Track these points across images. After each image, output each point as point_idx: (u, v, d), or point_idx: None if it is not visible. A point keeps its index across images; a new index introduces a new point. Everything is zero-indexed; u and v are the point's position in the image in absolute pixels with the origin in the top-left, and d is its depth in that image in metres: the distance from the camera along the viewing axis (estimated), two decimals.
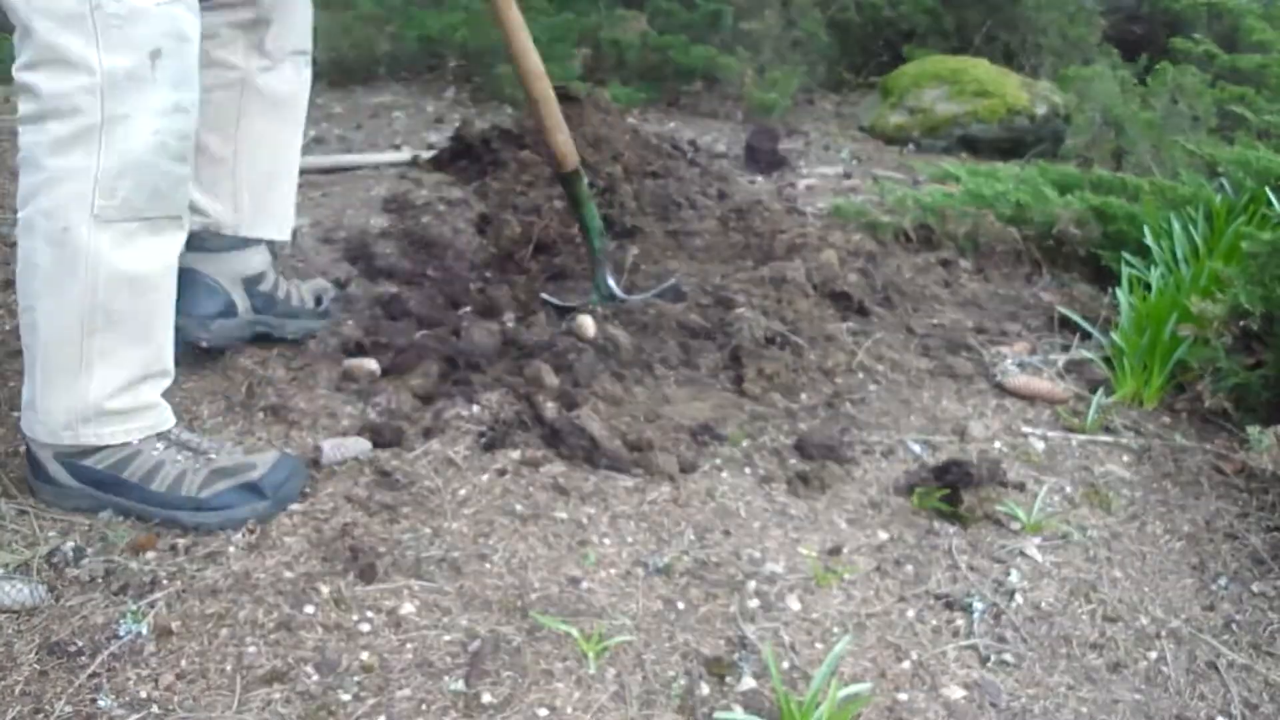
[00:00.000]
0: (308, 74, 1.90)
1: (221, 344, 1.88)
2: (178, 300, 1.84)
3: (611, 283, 2.15)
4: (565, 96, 3.14)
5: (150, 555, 1.44)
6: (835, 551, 1.59)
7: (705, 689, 1.32)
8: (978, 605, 1.51)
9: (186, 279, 1.83)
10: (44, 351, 1.41)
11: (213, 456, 1.51)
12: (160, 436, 1.51)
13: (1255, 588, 1.64)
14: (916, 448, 1.90)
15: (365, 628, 1.35)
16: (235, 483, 1.48)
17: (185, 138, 1.40)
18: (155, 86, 1.34)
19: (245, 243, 1.90)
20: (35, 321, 1.41)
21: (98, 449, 1.47)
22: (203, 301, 1.85)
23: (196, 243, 1.85)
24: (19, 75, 1.33)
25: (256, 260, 1.93)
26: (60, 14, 1.29)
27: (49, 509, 1.51)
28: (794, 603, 1.48)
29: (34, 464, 1.50)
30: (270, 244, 1.98)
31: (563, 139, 1.85)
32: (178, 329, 1.83)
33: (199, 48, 1.41)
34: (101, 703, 1.21)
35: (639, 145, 3.12)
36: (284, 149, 1.89)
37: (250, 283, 1.92)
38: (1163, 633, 1.52)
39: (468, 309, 2.16)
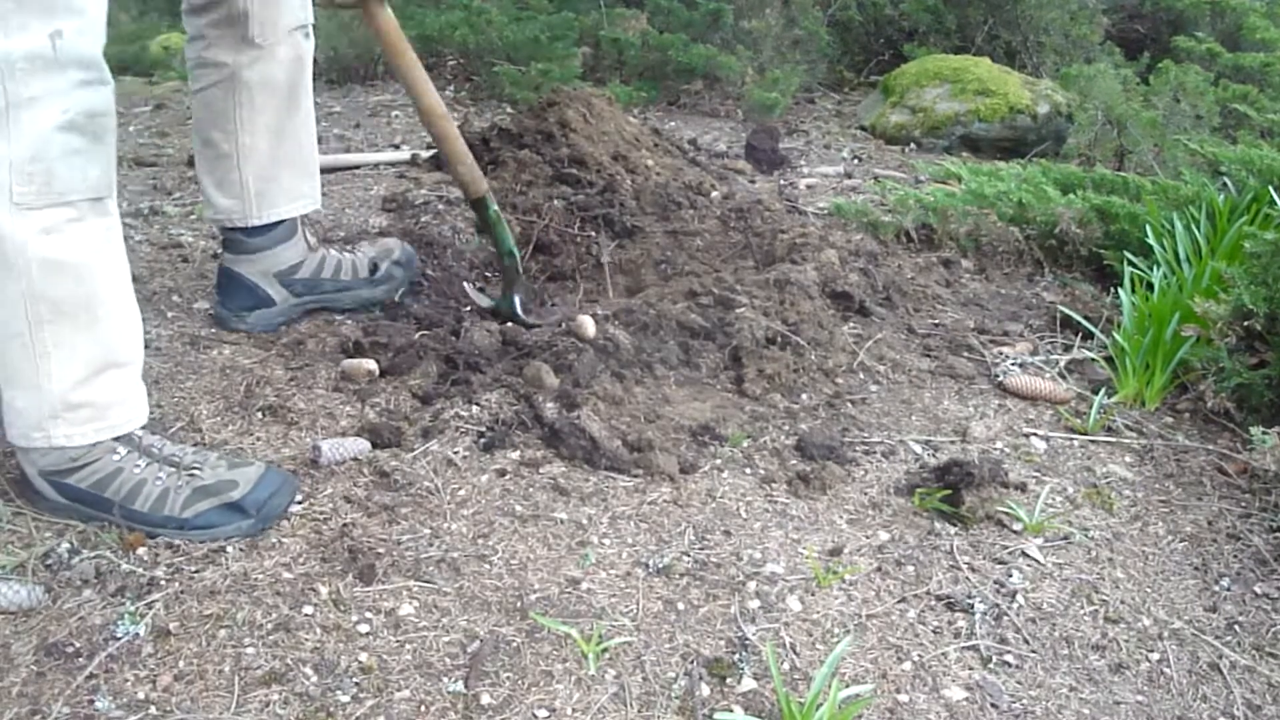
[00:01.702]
0: (308, 45, 1.92)
1: (265, 329, 2.03)
2: (221, 295, 2.03)
3: (517, 301, 2.09)
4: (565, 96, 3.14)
5: (143, 553, 1.43)
6: (836, 552, 1.59)
7: (705, 690, 1.31)
8: (979, 606, 1.51)
9: (226, 278, 2.02)
10: (2, 349, 1.39)
11: (196, 472, 1.49)
12: (143, 452, 1.50)
13: (1258, 589, 1.63)
14: (917, 448, 1.89)
15: (364, 629, 1.35)
16: (218, 502, 1.47)
17: (97, 115, 1.35)
18: (59, 67, 1.30)
19: (269, 237, 1.98)
20: None
21: (79, 467, 1.45)
22: (240, 297, 2.02)
23: (230, 246, 2.01)
24: None
25: (287, 254, 2.02)
26: None
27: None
28: (795, 603, 1.48)
29: (23, 479, 1.50)
30: (305, 230, 2.06)
31: (464, 169, 1.95)
32: (221, 320, 2.03)
33: (104, 22, 1.36)
34: (99, 704, 1.21)
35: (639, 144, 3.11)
36: (285, 133, 1.93)
37: (285, 274, 2.03)
38: (1165, 634, 1.51)
39: (468, 309, 2.15)
